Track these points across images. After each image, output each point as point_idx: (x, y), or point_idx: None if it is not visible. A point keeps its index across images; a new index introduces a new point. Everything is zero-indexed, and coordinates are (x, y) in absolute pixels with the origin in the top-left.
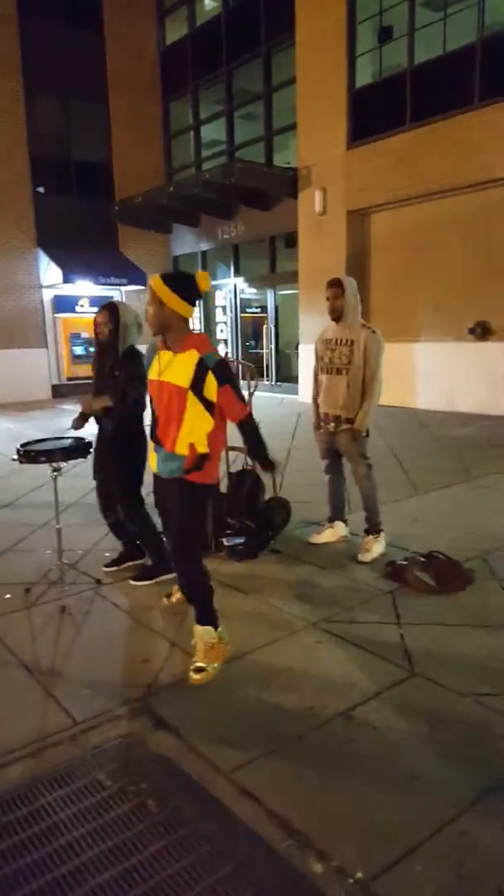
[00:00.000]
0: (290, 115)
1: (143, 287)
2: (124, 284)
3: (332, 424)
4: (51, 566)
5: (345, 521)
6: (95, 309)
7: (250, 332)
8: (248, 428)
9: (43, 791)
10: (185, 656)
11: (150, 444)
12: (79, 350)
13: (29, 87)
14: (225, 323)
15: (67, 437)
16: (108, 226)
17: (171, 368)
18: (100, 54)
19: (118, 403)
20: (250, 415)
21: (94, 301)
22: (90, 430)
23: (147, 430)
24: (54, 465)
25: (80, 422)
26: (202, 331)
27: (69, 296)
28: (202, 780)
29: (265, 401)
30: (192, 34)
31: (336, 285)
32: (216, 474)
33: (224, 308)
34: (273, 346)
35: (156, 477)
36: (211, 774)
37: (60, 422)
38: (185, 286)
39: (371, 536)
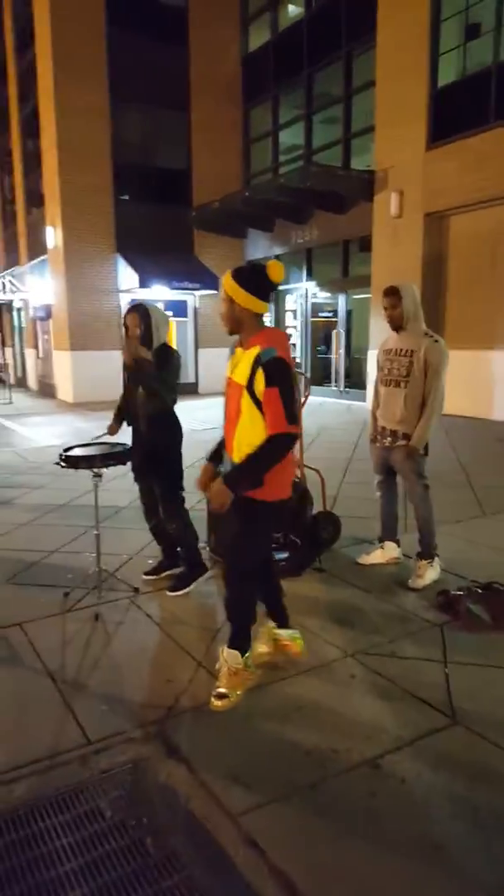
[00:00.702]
0: (368, 117)
1: (215, 291)
2: (198, 289)
3: (389, 439)
4: (92, 570)
5: (396, 542)
6: (170, 313)
7: (321, 336)
8: (268, 445)
9: (42, 815)
10: (210, 679)
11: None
12: None
13: (114, 97)
14: (295, 328)
15: (112, 443)
16: (185, 231)
17: (238, 365)
18: (183, 63)
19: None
20: (285, 436)
21: (168, 305)
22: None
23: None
24: (94, 470)
25: (115, 427)
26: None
27: (144, 300)
28: (206, 821)
29: (333, 407)
30: (274, 40)
31: (392, 294)
32: (283, 490)
33: (295, 312)
34: (343, 352)
35: None
36: (217, 815)
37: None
38: (255, 280)
39: (424, 561)
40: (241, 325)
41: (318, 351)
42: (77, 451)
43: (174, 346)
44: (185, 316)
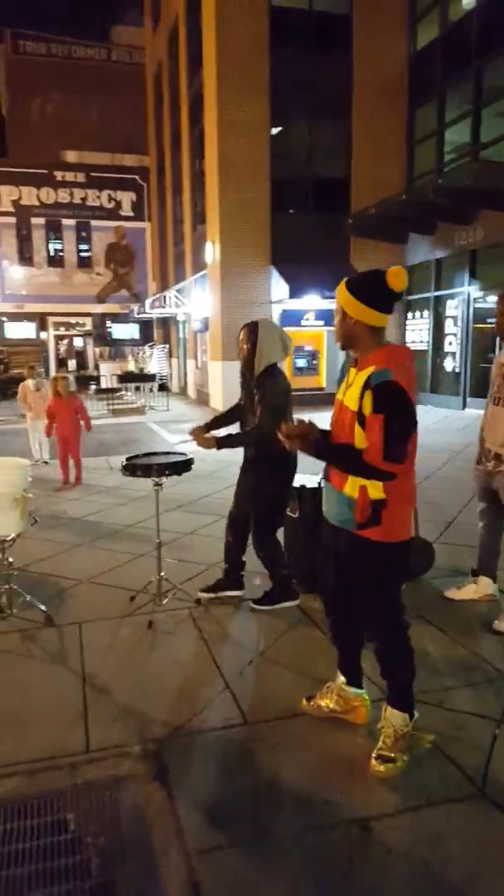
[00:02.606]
0: None
1: None
2: None
3: (492, 463)
4: (164, 577)
5: (493, 578)
6: (321, 323)
7: (488, 344)
8: (364, 465)
9: (11, 816)
10: (231, 703)
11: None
12: (301, 362)
13: (274, 112)
14: (454, 335)
15: (177, 453)
16: (341, 240)
17: (351, 388)
18: (345, 70)
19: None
20: (379, 472)
21: (319, 315)
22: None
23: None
24: (154, 479)
25: (199, 432)
26: (405, 342)
27: (296, 310)
28: (161, 853)
29: None
30: (443, 35)
31: None
32: (405, 528)
33: (455, 319)
34: None
35: (325, 519)
36: (173, 849)
37: None
38: (370, 290)
39: None
40: (354, 341)
41: (486, 359)
42: (141, 461)
43: (282, 365)
44: None
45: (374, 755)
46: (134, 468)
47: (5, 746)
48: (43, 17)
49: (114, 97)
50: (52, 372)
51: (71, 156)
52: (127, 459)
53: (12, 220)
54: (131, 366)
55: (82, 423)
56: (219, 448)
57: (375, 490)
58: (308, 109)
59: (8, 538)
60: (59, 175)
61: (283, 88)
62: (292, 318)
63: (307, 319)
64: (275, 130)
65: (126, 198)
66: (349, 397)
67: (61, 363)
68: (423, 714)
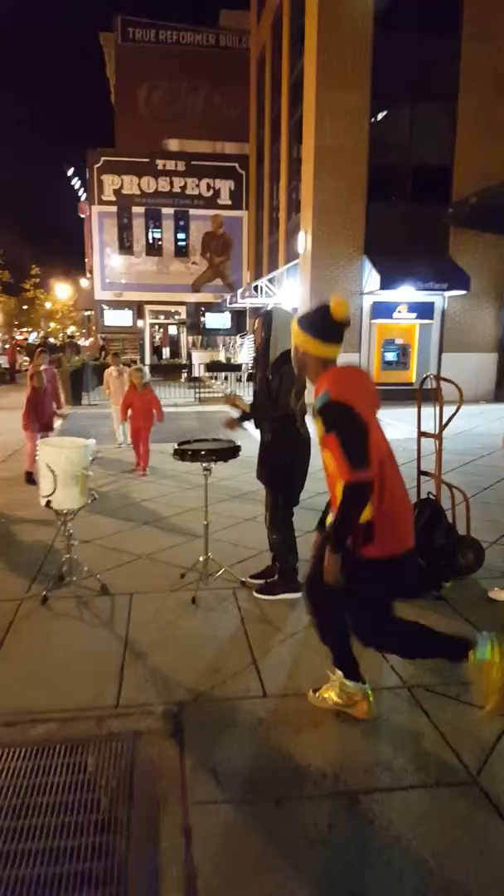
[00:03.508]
0: None
1: (466, 292)
2: (445, 289)
3: None
4: (211, 557)
5: None
6: (413, 315)
7: None
8: (343, 498)
9: (37, 754)
10: (254, 676)
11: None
12: (391, 356)
13: (375, 97)
14: None
15: (227, 441)
16: (440, 230)
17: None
18: (454, 54)
19: (273, 409)
20: (353, 484)
21: (412, 307)
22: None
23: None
24: (203, 464)
25: (232, 422)
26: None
27: (388, 302)
28: (162, 800)
29: None
30: None
31: None
32: (400, 543)
33: None
34: None
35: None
36: (174, 798)
37: None
38: (316, 323)
39: None
40: (306, 370)
41: None
42: (191, 446)
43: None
44: (431, 318)
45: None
46: (184, 453)
47: (45, 696)
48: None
49: (219, 84)
50: (147, 359)
51: (173, 144)
52: (178, 444)
53: (114, 209)
54: (221, 355)
55: (154, 413)
56: (241, 416)
57: (364, 513)
58: (411, 93)
59: (69, 512)
60: (160, 164)
61: (385, 72)
62: (383, 310)
63: (399, 312)
64: (375, 117)
65: (225, 186)
66: (317, 428)
67: (156, 351)
68: (438, 706)
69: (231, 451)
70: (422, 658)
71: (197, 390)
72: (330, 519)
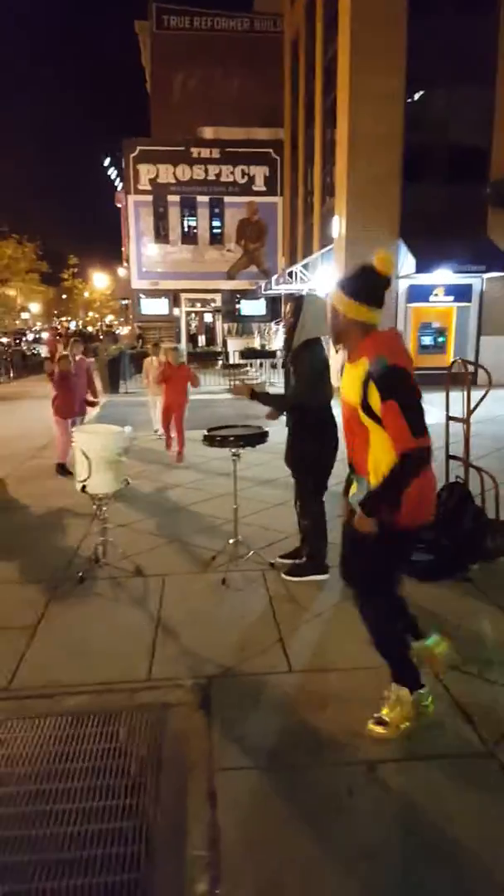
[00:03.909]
0: None
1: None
2: (483, 271)
3: None
4: (240, 540)
5: None
6: (451, 298)
7: None
8: (399, 466)
9: (71, 724)
10: (281, 653)
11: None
12: (427, 340)
13: (410, 80)
14: None
15: (255, 427)
16: (478, 211)
17: (346, 383)
18: (490, 35)
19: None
20: (416, 451)
21: (449, 290)
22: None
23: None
24: (231, 449)
25: (274, 414)
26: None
27: (424, 285)
28: (190, 767)
29: None
30: None
31: None
32: (422, 515)
33: None
34: None
35: (353, 508)
36: (201, 764)
37: None
38: (358, 285)
39: None
40: (346, 337)
41: None
42: (221, 432)
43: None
44: (469, 301)
45: (372, 718)
46: (212, 439)
47: (80, 670)
48: None
49: (253, 70)
50: (183, 347)
51: (207, 132)
52: (208, 431)
53: (149, 198)
54: (256, 342)
55: (190, 388)
56: (251, 398)
57: None
58: (447, 75)
59: (104, 496)
60: (195, 152)
61: (420, 54)
62: (420, 293)
63: (436, 295)
64: (410, 99)
65: (259, 172)
66: (347, 391)
67: (192, 339)
68: (460, 682)
69: (259, 437)
70: (387, 637)
71: (231, 378)
72: (355, 490)
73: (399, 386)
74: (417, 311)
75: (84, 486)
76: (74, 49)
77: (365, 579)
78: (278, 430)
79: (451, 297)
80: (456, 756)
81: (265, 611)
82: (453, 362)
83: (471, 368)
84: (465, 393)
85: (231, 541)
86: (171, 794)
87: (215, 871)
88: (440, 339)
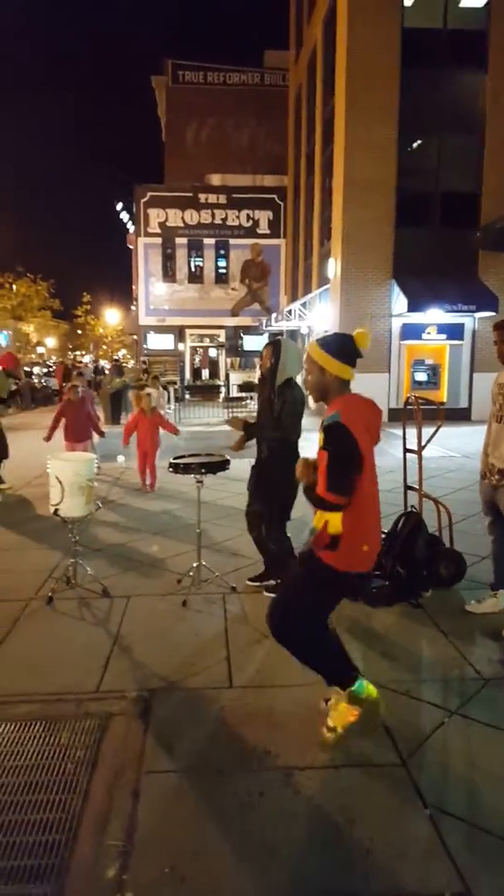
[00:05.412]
0: None
1: (493, 313)
2: (473, 311)
3: (496, 478)
4: (204, 564)
5: None
6: (443, 336)
7: None
8: (314, 499)
9: (19, 728)
10: (225, 670)
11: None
12: (421, 376)
13: (403, 130)
14: None
15: (218, 455)
16: (469, 253)
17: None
18: (479, 86)
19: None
20: (325, 502)
21: (441, 328)
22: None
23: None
24: (196, 476)
25: (238, 445)
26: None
27: (417, 323)
28: (120, 769)
29: None
30: None
31: (500, 328)
32: (359, 562)
33: None
34: None
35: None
36: (130, 767)
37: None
38: (346, 349)
39: None
40: (328, 393)
41: None
42: (186, 460)
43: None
44: (461, 339)
45: (324, 725)
46: (177, 466)
47: (33, 682)
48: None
49: (262, 121)
50: (187, 380)
51: (215, 179)
52: (173, 459)
53: (158, 240)
54: (256, 376)
55: (163, 433)
56: (244, 430)
57: (334, 526)
58: (438, 125)
59: (76, 519)
60: (202, 198)
61: (412, 106)
62: (413, 331)
63: (428, 333)
64: (403, 148)
65: (263, 216)
66: (319, 439)
67: (195, 373)
68: (389, 699)
69: (220, 465)
70: (312, 666)
71: (230, 410)
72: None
73: (335, 441)
74: (411, 348)
75: (56, 510)
76: (94, 101)
77: (285, 602)
78: (243, 461)
79: (444, 336)
80: (370, 765)
81: (219, 631)
82: (407, 398)
83: (479, 403)
84: (417, 428)
85: (195, 564)
86: (99, 792)
87: (126, 859)
88: (434, 376)
